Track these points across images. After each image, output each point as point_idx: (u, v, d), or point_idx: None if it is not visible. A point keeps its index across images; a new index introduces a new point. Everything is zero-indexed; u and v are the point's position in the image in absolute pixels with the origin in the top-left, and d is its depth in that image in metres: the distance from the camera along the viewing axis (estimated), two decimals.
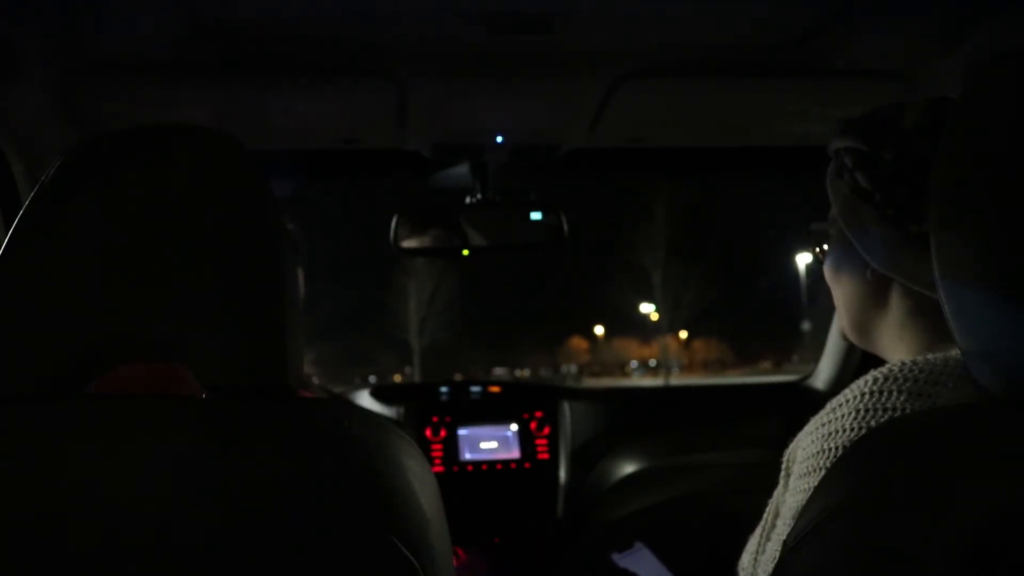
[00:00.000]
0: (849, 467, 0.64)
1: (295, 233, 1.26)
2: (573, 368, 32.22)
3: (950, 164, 0.62)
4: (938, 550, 0.54)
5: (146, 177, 0.66)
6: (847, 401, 0.78)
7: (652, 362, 31.06)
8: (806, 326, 23.64)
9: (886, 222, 0.81)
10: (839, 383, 1.99)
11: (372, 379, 23.78)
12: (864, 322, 0.89)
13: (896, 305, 0.85)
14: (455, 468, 1.95)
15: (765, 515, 0.85)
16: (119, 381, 0.86)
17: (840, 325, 0.94)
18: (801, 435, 0.82)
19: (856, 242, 0.85)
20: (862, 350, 0.94)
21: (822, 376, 2.08)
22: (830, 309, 2.03)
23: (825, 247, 0.93)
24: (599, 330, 32.94)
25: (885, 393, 0.75)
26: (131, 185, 0.65)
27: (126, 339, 0.64)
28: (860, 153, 0.83)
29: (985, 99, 0.61)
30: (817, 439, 0.78)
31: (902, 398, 0.74)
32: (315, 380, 2.13)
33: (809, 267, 23.08)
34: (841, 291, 0.91)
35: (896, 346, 0.85)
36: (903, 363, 0.77)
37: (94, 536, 0.58)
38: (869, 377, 0.78)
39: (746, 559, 0.87)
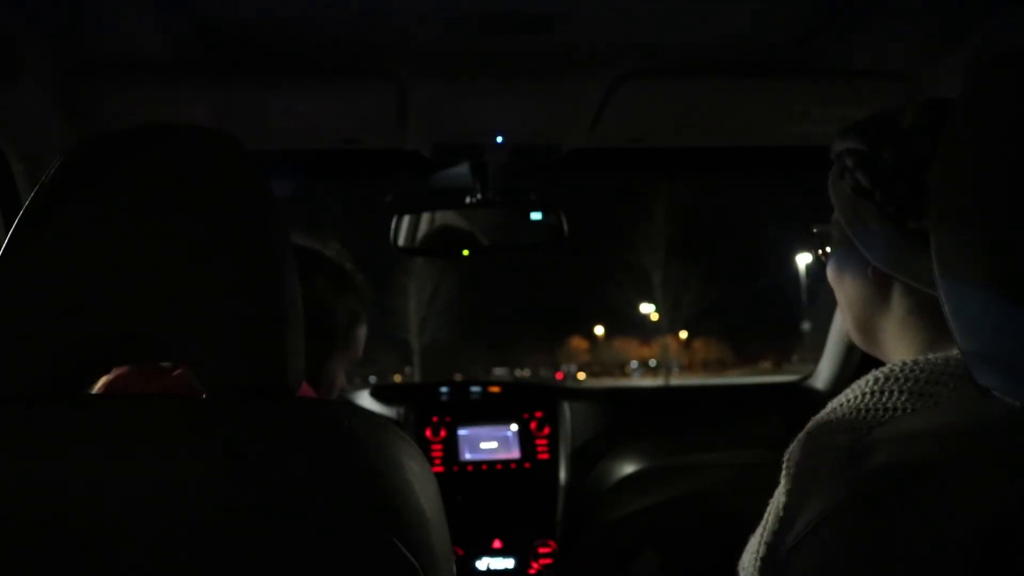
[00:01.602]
0: (849, 469, 0.64)
1: (365, 291, 1.26)
2: (573, 368, 32.23)
3: (950, 164, 0.62)
4: (938, 550, 0.54)
5: (146, 177, 0.66)
6: (848, 401, 0.78)
7: (652, 362, 31.06)
8: (806, 326, 23.63)
9: (886, 220, 0.81)
10: (839, 383, 1.99)
11: (372, 379, 23.76)
12: (867, 322, 0.89)
13: (898, 304, 0.85)
14: (455, 468, 1.95)
15: (766, 515, 0.85)
16: (119, 381, 0.86)
17: (845, 328, 0.95)
18: (802, 434, 0.82)
19: (857, 241, 0.85)
20: (862, 350, 0.94)
21: (822, 376, 2.08)
22: (830, 309, 2.04)
23: (828, 249, 0.94)
24: (599, 330, 32.97)
25: (886, 393, 0.76)
26: (131, 185, 0.65)
27: (126, 339, 0.64)
28: (861, 153, 0.84)
29: (985, 99, 0.61)
30: (817, 438, 0.78)
31: (903, 398, 0.74)
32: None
33: (809, 267, 23.09)
34: (844, 292, 0.91)
35: (899, 345, 0.86)
36: (903, 363, 0.78)
37: (94, 536, 0.58)
38: (870, 377, 0.78)
39: (747, 559, 0.87)
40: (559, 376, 31.14)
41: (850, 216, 0.85)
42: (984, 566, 0.52)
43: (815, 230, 0.96)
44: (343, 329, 1.22)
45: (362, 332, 1.26)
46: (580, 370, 32.08)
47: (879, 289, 0.86)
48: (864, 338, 0.91)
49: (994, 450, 0.57)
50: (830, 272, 0.93)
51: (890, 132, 0.83)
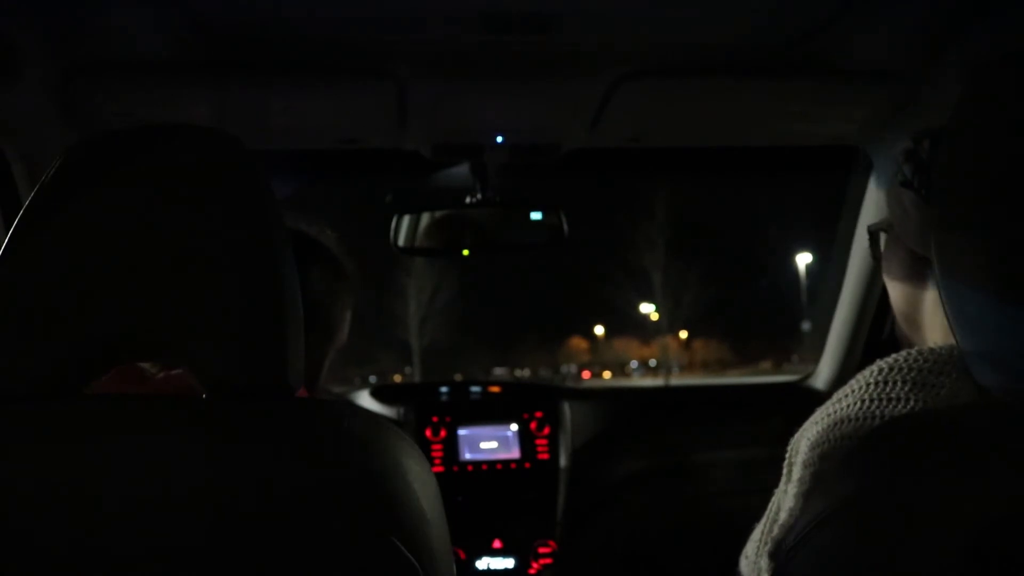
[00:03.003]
0: (852, 466, 0.64)
1: (357, 279, 1.25)
2: (573, 368, 32.26)
3: (950, 164, 0.63)
4: (939, 549, 0.54)
5: (146, 177, 0.66)
6: (852, 392, 0.78)
7: (652, 362, 31.07)
8: (806, 326, 23.63)
9: (922, 204, 0.83)
10: (839, 383, 1.97)
11: (372, 379, 23.76)
12: (909, 308, 0.91)
13: (932, 287, 0.87)
14: (455, 468, 1.95)
15: (770, 506, 0.86)
16: (119, 381, 0.86)
17: (898, 319, 0.96)
18: (806, 425, 0.82)
19: (899, 228, 0.87)
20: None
21: (822, 376, 2.08)
22: (830, 309, 2.04)
23: (882, 248, 0.96)
24: (599, 330, 32.98)
25: (889, 383, 0.76)
26: (131, 185, 0.65)
27: (126, 339, 0.64)
28: (908, 149, 0.87)
29: (985, 99, 0.61)
30: (822, 429, 0.78)
31: (906, 388, 0.75)
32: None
33: (809, 267, 23.11)
34: (890, 281, 0.93)
35: (933, 327, 0.87)
36: (908, 353, 0.78)
37: (94, 535, 0.58)
38: (874, 367, 0.79)
39: (750, 548, 0.87)
40: (586, 375, 31.37)
41: (894, 206, 0.88)
42: (983, 567, 0.52)
43: (870, 227, 0.98)
44: (337, 321, 1.22)
45: (348, 316, 1.26)
46: (584, 368, 32.14)
47: (918, 273, 0.88)
48: (909, 326, 0.93)
49: (993, 450, 0.57)
50: (883, 266, 0.95)
51: (930, 127, 0.85)
